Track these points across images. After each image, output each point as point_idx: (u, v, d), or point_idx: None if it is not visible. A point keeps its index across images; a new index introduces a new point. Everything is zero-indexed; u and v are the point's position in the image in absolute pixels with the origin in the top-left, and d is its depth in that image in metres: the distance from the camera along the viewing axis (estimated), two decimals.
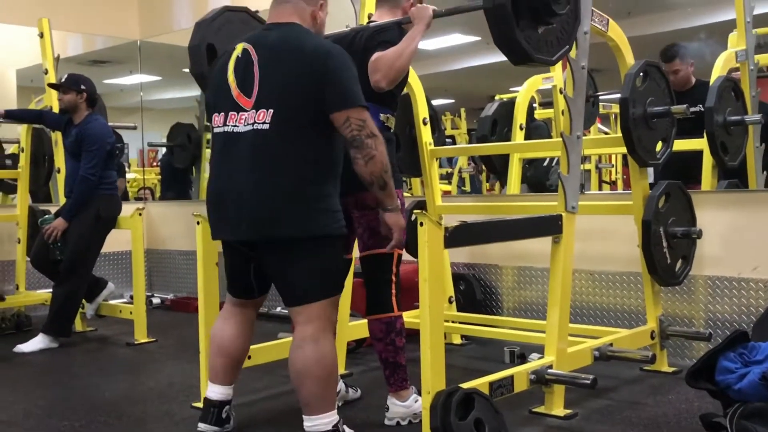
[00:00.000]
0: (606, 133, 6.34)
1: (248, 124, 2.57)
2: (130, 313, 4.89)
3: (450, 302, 4.41)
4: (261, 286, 2.85)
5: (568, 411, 3.08)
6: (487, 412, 2.59)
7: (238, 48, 2.67)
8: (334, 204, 2.63)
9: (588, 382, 2.93)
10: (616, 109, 4.86)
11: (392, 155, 3.04)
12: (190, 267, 6.30)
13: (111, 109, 6.15)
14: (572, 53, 3.09)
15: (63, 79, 4.79)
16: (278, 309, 5.35)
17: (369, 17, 3.36)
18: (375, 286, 3.01)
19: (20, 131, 5.67)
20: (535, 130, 5.55)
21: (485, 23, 2.67)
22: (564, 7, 2.80)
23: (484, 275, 4.76)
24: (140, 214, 4.89)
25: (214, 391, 2.87)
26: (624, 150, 3.56)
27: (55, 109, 5.02)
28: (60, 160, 5.10)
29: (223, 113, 2.65)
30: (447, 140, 7.24)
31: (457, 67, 8.30)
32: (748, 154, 4.04)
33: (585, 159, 5.79)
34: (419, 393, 2.78)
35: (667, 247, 3.59)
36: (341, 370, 3.46)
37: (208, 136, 6.61)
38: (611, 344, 3.38)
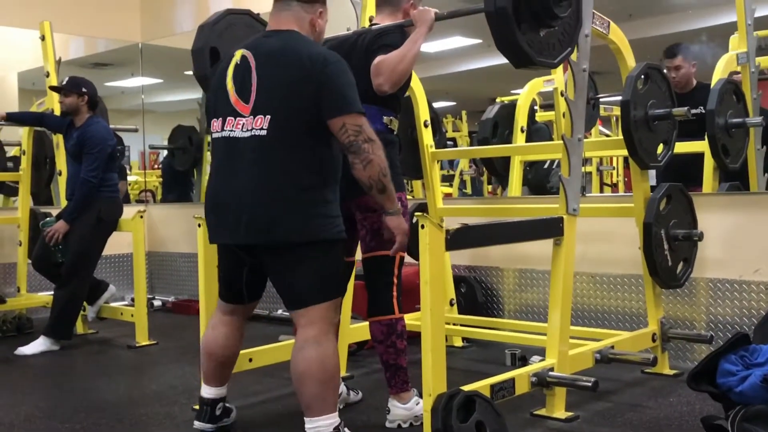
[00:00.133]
0: (607, 136, 6.34)
1: (246, 130, 2.59)
2: (132, 315, 4.89)
3: (451, 305, 4.41)
4: (251, 294, 2.88)
5: (570, 414, 3.08)
6: (488, 414, 2.59)
7: (237, 54, 2.69)
8: (333, 209, 2.64)
9: (589, 384, 2.93)
10: (617, 111, 4.86)
11: (395, 158, 3.05)
12: (191, 269, 6.30)
13: (112, 111, 6.16)
14: (573, 56, 3.09)
15: (64, 82, 4.80)
16: (279, 311, 5.35)
17: (370, 20, 3.36)
18: (376, 288, 3.01)
19: (22, 134, 5.69)
20: (537, 132, 5.55)
21: (486, 26, 2.67)
22: (565, 9, 2.80)
23: (485, 278, 4.76)
24: (141, 217, 4.89)
25: (206, 390, 2.94)
26: (625, 152, 3.56)
27: (57, 112, 5.02)
28: (61, 162, 5.11)
29: (221, 118, 2.68)
30: (448, 143, 7.24)
31: (458, 69, 8.30)
32: (749, 157, 4.03)
33: (586, 161, 5.80)
34: (420, 395, 2.78)
35: (669, 249, 3.59)
36: (342, 373, 3.46)
37: (209, 138, 6.62)
38: (612, 347, 3.38)
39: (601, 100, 5.48)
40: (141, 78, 7.56)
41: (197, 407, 3.00)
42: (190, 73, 3.17)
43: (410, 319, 3.32)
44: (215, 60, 3.11)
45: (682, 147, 3.79)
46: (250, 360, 3.35)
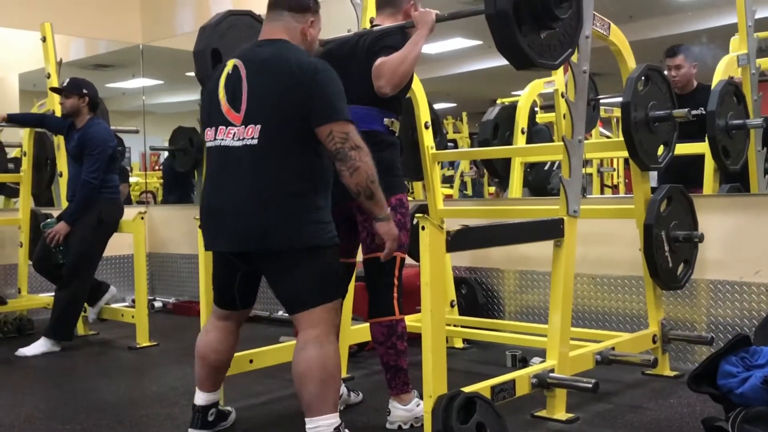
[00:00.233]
0: (608, 137, 6.34)
1: (238, 139, 2.63)
2: (132, 316, 4.89)
3: (452, 306, 4.41)
4: (244, 300, 2.91)
5: (570, 415, 3.08)
6: (488, 416, 2.59)
7: (229, 64, 2.72)
8: (325, 215, 2.66)
9: (590, 386, 2.93)
10: (617, 112, 4.86)
11: (396, 159, 3.06)
12: (192, 271, 6.31)
13: (113, 112, 6.17)
14: (574, 57, 3.09)
15: (65, 84, 4.80)
16: (280, 313, 5.35)
17: (371, 21, 3.36)
18: (377, 289, 3.00)
19: (23, 135, 5.69)
20: (537, 134, 5.55)
21: (487, 27, 2.67)
22: (566, 11, 2.80)
23: (486, 279, 4.76)
24: (142, 218, 4.89)
25: (198, 396, 2.96)
26: (626, 154, 3.56)
27: (58, 113, 5.02)
28: (62, 163, 5.11)
29: (214, 128, 2.71)
30: (449, 144, 7.24)
31: (459, 71, 8.30)
32: (749, 158, 4.03)
33: (587, 163, 5.80)
34: (421, 397, 2.78)
35: (669, 251, 3.59)
36: (343, 374, 3.46)
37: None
38: (613, 348, 3.38)
39: (601, 101, 5.48)
40: (142, 79, 7.57)
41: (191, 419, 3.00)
42: (191, 74, 3.17)
43: (411, 321, 3.32)
44: (217, 61, 3.11)
45: (682, 148, 3.79)
46: (251, 361, 3.35)
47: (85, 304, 4.99)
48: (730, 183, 4.18)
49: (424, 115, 4.17)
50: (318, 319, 2.62)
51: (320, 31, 2.86)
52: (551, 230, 3.12)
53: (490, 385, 2.79)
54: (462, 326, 4.35)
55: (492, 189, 6.93)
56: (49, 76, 5.22)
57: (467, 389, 2.64)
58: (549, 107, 5.74)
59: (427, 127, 4.19)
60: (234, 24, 3.21)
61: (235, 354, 3.04)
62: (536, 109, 5.75)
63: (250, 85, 2.63)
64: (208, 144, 2.74)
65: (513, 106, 5.37)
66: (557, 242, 3.14)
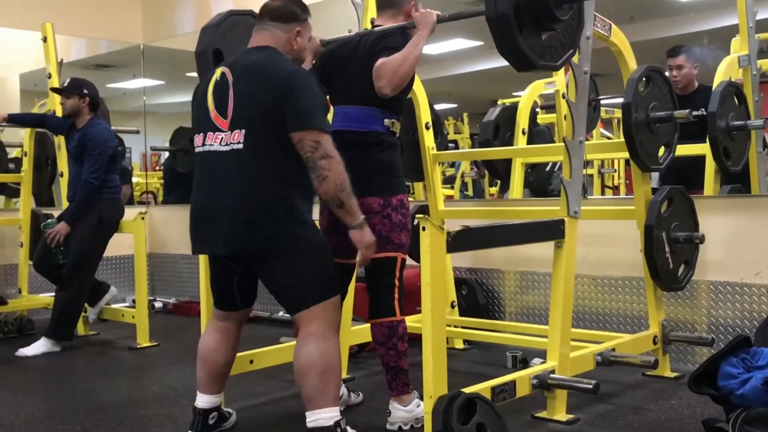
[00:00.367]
0: (609, 138, 6.34)
1: (225, 144, 2.68)
2: (132, 317, 4.89)
3: (452, 307, 4.41)
4: (244, 300, 2.93)
5: (571, 416, 3.08)
6: (489, 416, 2.59)
7: (218, 72, 2.79)
8: (309, 217, 2.71)
9: (590, 387, 2.93)
10: (618, 113, 4.86)
11: (397, 160, 3.06)
12: (193, 271, 6.31)
13: (114, 113, 6.16)
14: (575, 58, 3.09)
15: (66, 84, 4.80)
16: (280, 313, 5.35)
17: (372, 22, 3.36)
18: (378, 290, 3.00)
19: (23, 135, 5.69)
20: (538, 134, 5.55)
21: (488, 28, 2.67)
22: (567, 12, 2.80)
23: (487, 280, 4.76)
24: (143, 218, 4.89)
25: (200, 399, 2.97)
26: (626, 155, 3.56)
27: (59, 113, 5.03)
28: (63, 164, 5.11)
29: (202, 134, 2.76)
30: (450, 145, 7.24)
31: (460, 71, 8.30)
32: (750, 159, 4.03)
33: (587, 164, 5.80)
34: (421, 397, 2.78)
35: (670, 252, 3.59)
36: (343, 375, 3.46)
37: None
38: (614, 349, 3.38)
39: (602, 102, 5.48)
40: (143, 79, 7.57)
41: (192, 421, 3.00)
42: (192, 74, 3.18)
43: (411, 321, 3.32)
44: (219, 62, 3.11)
45: (683, 149, 3.79)
46: (251, 362, 3.35)
47: (86, 305, 4.99)
48: (730, 184, 4.18)
49: (424, 116, 4.17)
50: (317, 316, 2.66)
51: (312, 39, 2.91)
52: (552, 231, 3.12)
53: (490, 386, 2.79)
54: (462, 327, 4.34)
55: (493, 190, 6.93)
56: (49, 77, 5.22)
57: (468, 390, 2.64)
58: (550, 107, 5.74)
59: (428, 128, 4.19)
60: (236, 24, 3.22)
61: (236, 354, 3.04)
62: (537, 109, 5.75)
63: (235, 91, 2.69)
64: (197, 149, 2.79)
65: (514, 107, 5.37)
66: (558, 243, 3.14)
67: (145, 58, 7.34)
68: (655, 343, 3.66)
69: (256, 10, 3.16)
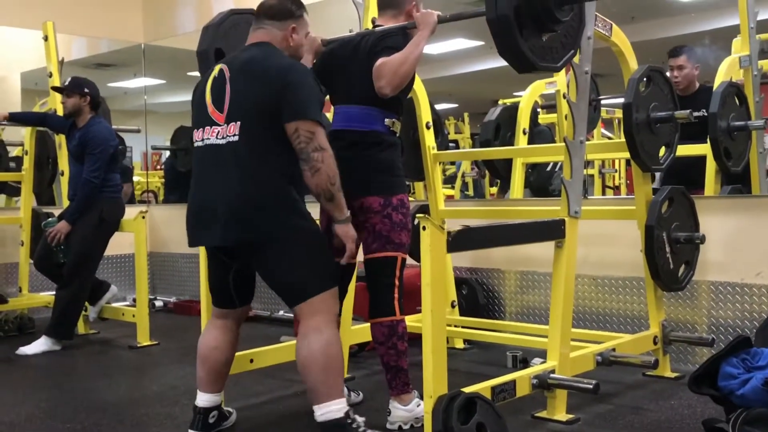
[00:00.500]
0: (609, 138, 6.34)
1: (222, 137, 2.71)
2: (133, 316, 4.89)
3: (452, 306, 4.41)
4: (241, 298, 2.95)
5: (571, 416, 3.08)
6: (489, 416, 2.59)
7: (216, 69, 2.82)
8: (303, 207, 2.72)
9: (590, 387, 2.93)
10: (619, 114, 4.85)
11: (398, 159, 3.06)
12: (193, 270, 6.31)
13: (115, 112, 6.16)
14: (576, 58, 3.09)
15: (67, 83, 4.80)
16: (281, 312, 5.35)
17: (373, 21, 3.36)
18: (378, 289, 3.00)
19: (24, 134, 5.69)
20: (539, 134, 5.55)
21: (489, 28, 2.67)
22: (567, 14, 2.80)
23: (487, 280, 4.76)
24: (143, 217, 4.90)
25: (200, 398, 2.98)
26: (627, 155, 3.56)
27: (59, 112, 5.03)
28: (63, 162, 5.11)
29: (201, 129, 2.80)
30: (450, 144, 7.24)
31: (461, 71, 8.30)
32: (751, 160, 4.03)
33: (588, 164, 5.80)
34: (421, 397, 2.78)
35: (670, 252, 3.59)
36: (343, 374, 3.46)
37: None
38: (614, 349, 3.38)
39: (603, 102, 5.48)
40: (143, 79, 7.57)
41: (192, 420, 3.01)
42: (193, 73, 3.19)
43: (411, 321, 3.32)
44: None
45: (684, 150, 3.79)
46: (251, 361, 3.35)
47: (86, 303, 4.99)
48: (731, 184, 4.17)
49: (425, 116, 4.17)
50: (317, 308, 2.68)
51: (308, 34, 2.94)
52: (552, 231, 3.12)
53: (490, 386, 2.79)
54: (463, 327, 4.34)
55: (493, 189, 6.93)
56: (50, 75, 5.22)
57: (468, 390, 2.64)
58: (550, 107, 5.74)
59: (428, 128, 4.19)
60: (237, 23, 3.22)
61: (236, 353, 3.05)
62: (538, 109, 5.75)
63: (232, 86, 2.73)
64: (196, 144, 2.83)
65: (515, 107, 5.37)
66: (558, 243, 3.14)
67: (146, 57, 7.34)
68: (655, 343, 3.66)
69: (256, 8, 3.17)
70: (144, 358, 4.57)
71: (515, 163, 5.16)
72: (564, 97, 4.69)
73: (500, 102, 6.17)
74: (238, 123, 2.67)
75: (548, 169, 5.61)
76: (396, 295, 2.98)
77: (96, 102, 4.81)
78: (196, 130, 2.82)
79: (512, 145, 5.26)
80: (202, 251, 3.20)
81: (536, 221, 3.20)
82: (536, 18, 2.67)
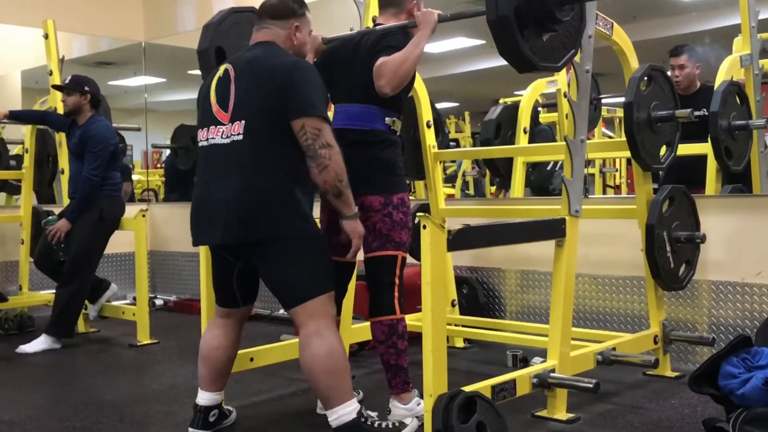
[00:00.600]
0: (610, 137, 6.34)
1: (226, 136, 2.71)
2: (133, 314, 4.89)
3: (453, 305, 4.40)
4: (245, 297, 2.96)
5: (571, 415, 3.07)
6: (489, 415, 2.58)
7: (221, 69, 2.83)
8: (305, 208, 2.72)
9: (590, 386, 2.92)
10: (620, 113, 4.85)
11: (398, 158, 3.06)
12: (193, 269, 6.31)
13: (115, 110, 6.16)
14: (577, 57, 3.08)
15: (67, 81, 4.80)
16: (281, 311, 5.35)
17: (374, 20, 3.36)
18: (378, 288, 3.00)
19: (24, 132, 5.69)
20: (540, 134, 5.55)
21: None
22: (568, 13, 2.79)
23: (487, 279, 4.76)
24: (144, 216, 4.89)
25: (201, 396, 2.98)
26: (628, 154, 3.56)
27: (60, 111, 5.02)
28: (64, 161, 5.11)
29: (205, 128, 2.80)
30: (451, 143, 7.24)
31: (462, 70, 8.30)
32: (752, 159, 4.03)
33: (589, 163, 5.80)
34: (421, 396, 2.77)
35: (671, 251, 3.59)
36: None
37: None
38: (614, 348, 3.38)
39: (604, 101, 5.47)
40: (144, 77, 7.56)
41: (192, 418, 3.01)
42: (193, 72, 3.19)
43: (411, 320, 3.31)
44: (221, 59, 3.12)
45: (685, 149, 3.79)
46: (252, 359, 3.35)
47: (86, 302, 4.99)
48: (732, 184, 4.17)
49: (426, 114, 4.17)
50: (314, 311, 2.68)
51: (311, 33, 2.93)
52: (553, 230, 3.12)
53: (490, 385, 2.79)
54: (463, 326, 4.34)
55: (493, 188, 6.93)
56: (51, 74, 5.21)
57: (468, 388, 2.64)
58: (551, 106, 5.74)
59: (429, 126, 4.19)
60: (237, 21, 3.22)
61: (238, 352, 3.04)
62: (539, 108, 5.74)
63: (237, 85, 2.73)
64: (200, 144, 2.83)
65: (515, 106, 5.37)
66: (559, 242, 3.14)
67: (147, 56, 7.34)
68: (655, 342, 3.66)
69: (258, 7, 3.17)
70: (144, 356, 4.57)
71: (516, 162, 5.16)
72: (565, 96, 4.69)
73: (501, 101, 6.18)
74: (243, 122, 2.67)
75: (548, 168, 5.60)
76: (396, 294, 2.97)
77: (96, 100, 4.81)
78: (200, 129, 2.83)
79: (513, 144, 5.26)
80: (202, 250, 3.21)
81: (537, 220, 3.20)
82: (537, 18, 2.66)
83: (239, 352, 3.12)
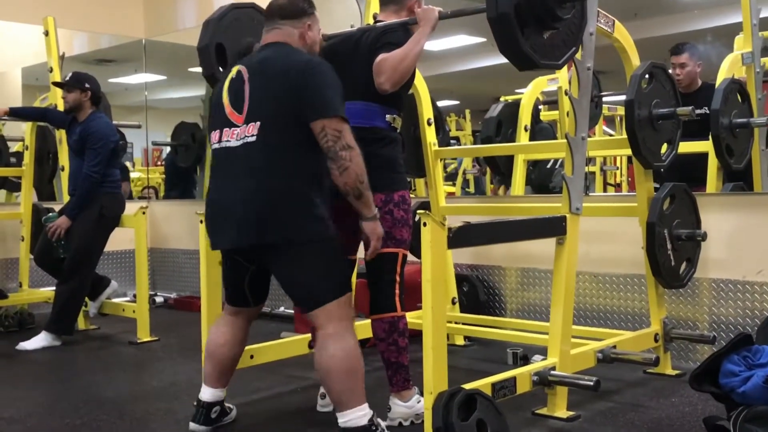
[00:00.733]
0: (611, 136, 6.33)
1: (240, 138, 2.69)
2: (133, 311, 4.89)
3: (453, 303, 4.40)
4: (255, 297, 2.95)
5: (571, 413, 3.07)
6: (489, 413, 2.58)
7: (234, 70, 2.81)
8: (322, 211, 2.69)
9: (591, 384, 2.92)
10: (621, 111, 4.85)
11: (399, 156, 3.05)
12: (194, 266, 6.30)
13: (116, 108, 6.16)
14: (578, 54, 3.08)
15: (67, 78, 4.79)
16: (281, 309, 5.35)
17: (374, 17, 3.35)
18: (379, 286, 3.00)
19: (25, 129, 5.69)
20: (541, 132, 5.54)
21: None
22: (569, 11, 2.78)
23: (488, 276, 4.75)
24: (144, 213, 4.89)
25: (205, 392, 2.98)
26: (629, 152, 3.55)
27: (60, 108, 5.02)
28: (64, 158, 5.11)
29: (218, 131, 2.78)
30: (451, 141, 7.24)
31: (462, 68, 8.30)
32: (753, 157, 4.03)
33: (590, 161, 5.79)
34: (421, 393, 2.77)
35: (672, 249, 3.58)
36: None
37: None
38: (614, 346, 3.37)
39: (605, 99, 5.47)
40: (144, 74, 7.56)
41: (194, 413, 3.01)
42: (194, 69, 3.18)
43: (412, 318, 3.31)
44: (221, 57, 3.11)
45: (686, 147, 3.78)
46: (252, 357, 3.34)
47: (86, 299, 4.98)
48: (733, 182, 4.17)
49: (426, 112, 4.16)
50: (333, 314, 2.66)
51: (320, 31, 2.92)
52: (553, 228, 3.11)
53: (490, 383, 2.78)
54: (463, 323, 4.34)
55: (492, 186, 6.92)
56: (51, 71, 5.21)
57: (468, 386, 2.64)
58: (552, 103, 5.73)
59: (429, 124, 4.18)
60: (238, 18, 3.21)
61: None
62: (540, 106, 5.74)
63: (251, 87, 2.71)
64: (213, 146, 2.81)
65: (516, 104, 5.37)
66: (559, 240, 3.13)
67: (147, 53, 7.33)
68: (656, 340, 3.65)
69: (258, 3, 3.16)
70: (144, 353, 4.57)
71: (516, 159, 5.16)
72: (566, 93, 4.68)
73: (502, 99, 6.18)
74: (258, 123, 2.65)
75: (549, 166, 5.60)
76: (397, 292, 2.97)
77: (97, 97, 4.81)
78: (213, 131, 2.81)
79: (514, 142, 5.25)
80: (202, 248, 3.20)
81: (537, 218, 3.19)
82: (537, 16, 2.65)
83: None
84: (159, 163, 8.62)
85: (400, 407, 2.99)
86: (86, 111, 4.76)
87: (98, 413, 3.30)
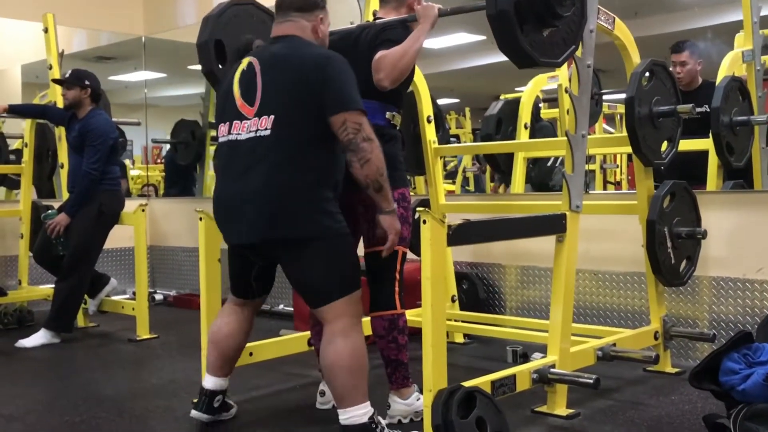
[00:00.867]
0: (611, 134, 6.33)
1: (250, 131, 2.66)
2: (133, 309, 4.89)
3: (453, 301, 4.40)
4: (260, 289, 2.95)
5: (571, 411, 3.07)
6: (488, 410, 2.58)
7: (244, 62, 2.77)
8: (334, 206, 2.68)
9: (591, 381, 2.92)
10: (621, 109, 4.85)
11: (398, 153, 3.05)
12: (193, 264, 6.30)
13: (115, 105, 6.15)
14: (578, 52, 3.07)
15: (67, 75, 4.79)
16: (281, 306, 5.35)
17: (374, 14, 3.35)
18: (378, 283, 2.99)
19: (24, 126, 5.68)
20: (540, 130, 5.54)
21: None
22: (569, 9, 2.78)
23: (487, 274, 4.75)
24: (143, 210, 4.89)
25: (208, 380, 2.98)
26: (629, 150, 3.54)
27: (60, 105, 5.02)
28: (63, 155, 5.10)
29: (227, 123, 2.75)
30: (451, 139, 7.23)
31: (462, 66, 8.29)
32: (753, 155, 4.03)
33: (590, 159, 5.79)
34: (421, 391, 2.77)
35: (672, 247, 3.58)
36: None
37: (212, 132, 6.62)
38: (614, 344, 3.37)
39: (605, 97, 5.47)
40: (144, 72, 7.55)
41: (196, 401, 3.00)
42: (193, 67, 3.18)
43: (411, 315, 3.31)
44: (221, 53, 3.10)
45: (686, 144, 3.78)
46: (251, 354, 3.34)
47: (86, 296, 4.98)
48: (733, 180, 4.16)
49: (426, 110, 4.16)
50: (342, 311, 2.65)
51: (330, 25, 2.90)
52: (553, 225, 3.11)
53: (490, 380, 2.78)
54: (463, 321, 4.34)
55: (492, 185, 6.92)
56: (51, 68, 5.20)
57: (467, 384, 2.64)
58: (552, 101, 5.73)
59: (429, 122, 4.17)
60: (237, 14, 3.20)
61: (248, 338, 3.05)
62: (541, 104, 5.73)
63: (264, 79, 2.67)
64: (221, 139, 2.77)
65: (516, 102, 5.36)
66: (559, 237, 3.13)
67: (147, 50, 7.33)
68: (656, 338, 3.65)
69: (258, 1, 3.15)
70: (143, 351, 4.57)
71: (516, 157, 5.15)
72: (566, 91, 4.68)
73: (502, 96, 6.16)
74: (272, 117, 2.62)
75: (548, 164, 5.59)
76: (396, 289, 2.97)
77: (96, 94, 4.80)
78: (222, 124, 2.77)
79: (513, 139, 5.25)
80: (202, 245, 3.20)
81: (537, 215, 3.19)
82: (537, 13, 2.65)
83: None
84: (159, 160, 8.62)
85: (400, 405, 2.99)
86: (86, 108, 4.75)
87: (97, 410, 3.29)
